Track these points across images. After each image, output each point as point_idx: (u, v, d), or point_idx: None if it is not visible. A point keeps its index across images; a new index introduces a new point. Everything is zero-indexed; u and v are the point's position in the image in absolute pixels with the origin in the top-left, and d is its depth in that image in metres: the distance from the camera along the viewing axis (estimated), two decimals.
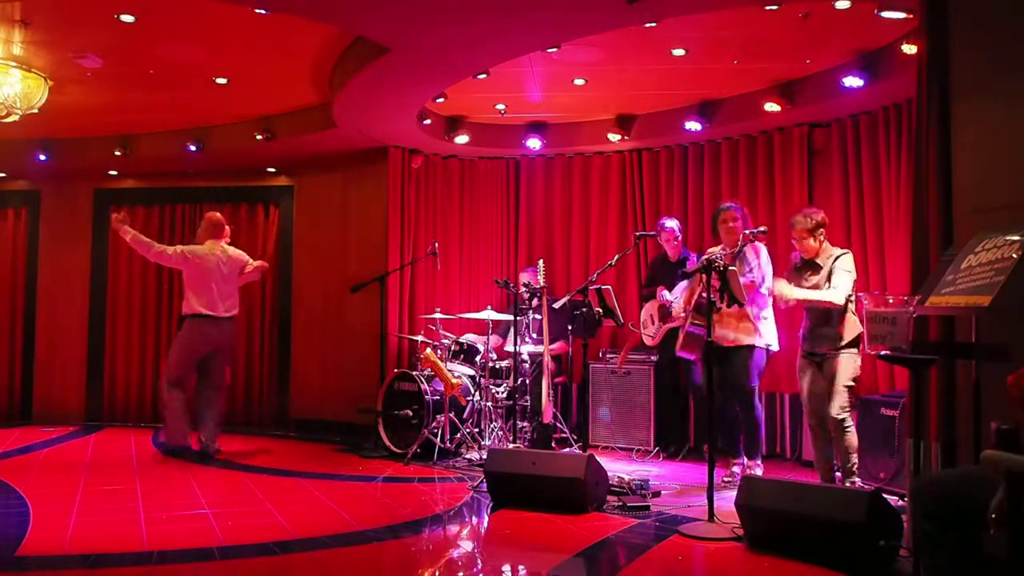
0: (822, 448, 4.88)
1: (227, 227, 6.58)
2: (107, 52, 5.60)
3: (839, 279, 4.70)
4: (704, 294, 5.21)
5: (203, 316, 6.23)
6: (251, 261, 6.59)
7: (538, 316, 6.20)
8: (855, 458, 4.70)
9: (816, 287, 4.78)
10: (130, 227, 6.39)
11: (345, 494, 5.09)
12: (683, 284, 5.73)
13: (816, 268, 4.83)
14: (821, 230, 4.82)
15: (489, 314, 6.25)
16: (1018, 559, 2.26)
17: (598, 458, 4.73)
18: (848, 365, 4.68)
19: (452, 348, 6.56)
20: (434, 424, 6.14)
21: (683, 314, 5.56)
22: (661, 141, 7.10)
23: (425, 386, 6.20)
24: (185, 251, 6.36)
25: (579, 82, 6.12)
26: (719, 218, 5.49)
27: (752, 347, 5.32)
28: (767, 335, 5.37)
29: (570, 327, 5.92)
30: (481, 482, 5.04)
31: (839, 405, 4.66)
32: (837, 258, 4.77)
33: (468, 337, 6.72)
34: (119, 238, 8.36)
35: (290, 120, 7.14)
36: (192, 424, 6.40)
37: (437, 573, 3.75)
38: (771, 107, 6.01)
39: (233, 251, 6.52)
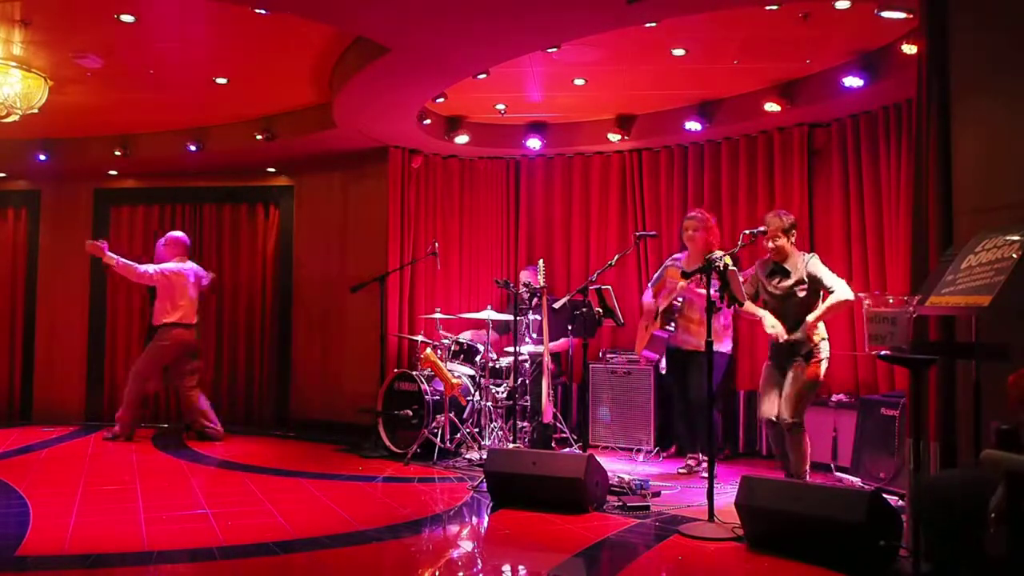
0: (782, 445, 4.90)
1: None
2: (107, 52, 5.59)
3: (832, 279, 4.72)
4: (677, 302, 5.63)
5: (182, 325, 7.06)
6: (204, 274, 7.38)
7: (538, 316, 6.20)
8: (807, 465, 4.72)
9: (790, 290, 4.80)
10: (112, 253, 6.96)
11: (345, 494, 5.09)
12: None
13: (785, 273, 4.85)
14: (794, 231, 4.86)
15: (489, 314, 6.25)
16: (1018, 559, 2.26)
17: (598, 458, 4.73)
18: (813, 370, 4.72)
19: (452, 348, 6.57)
20: (434, 424, 6.14)
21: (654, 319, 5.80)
22: (661, 141, 7.10)
23: (425, 386, 6.20)
24: (165, 270, 7.08)
25: (579, 82, 6.12)
26: (683, 226, 5.80)
27: (716, 353, 5.44)
28: (726, 343, 5.80)
29: (570, 327, 5.93)
30: (481, 482, 5.04)
31: (798, 409, 4.68)
32: (809, 261, 4.79)
33: (465, 335, 6.76)
34: (120, 238, 8.46)
35: (290, 120, 7.14)
36: (191, 417, 7.22)
37: (437, 573, 3.75)
38: (771, 107, 6.01)
39: (195, 265, 7.34)
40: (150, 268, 7.03)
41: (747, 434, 6.60)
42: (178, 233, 7.41)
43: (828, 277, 4.73)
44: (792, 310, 4.80)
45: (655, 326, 5.70)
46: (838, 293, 4.66)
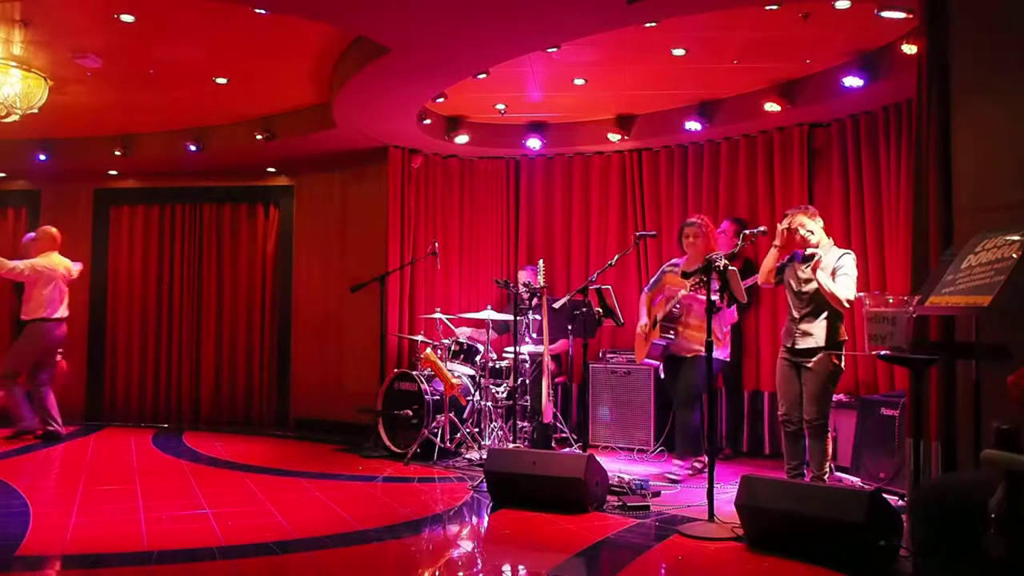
0: (794, 445, 4.86)
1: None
2: (107, 52, 5.59)
3: (850, 281, 4.63)
4: (676, 308, 5.63)
5: (53, 319, 6.98)
6: (73, 267, 7.25)
7: (538, 316, 6.20)
8: (828, 465, 4.69)
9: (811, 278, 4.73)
10: None
11: (345, 494, 5.09)
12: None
13: (811, 258, 4.80)
14: (820, 220, 4.82)
15: (489, 314, 6.25)
16: (1018, 559, 2.25)
17: (598, 458, 4.73)
18: (831, 368, 4.68)
19: (452, 348, 6.57)
20: (434, 424, 6.14)
21: (652, 326, 5.77)
22: (661, 141, 7.10)
23: (425, 386, 6.19)
24: (35, 265, 6.99)
25: (579, 82, 6.12)
26: (682, 232, 5.78)
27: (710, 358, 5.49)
28: (725, 350, 5.72)
29: (570, 327, 5.93)
30: (481, 482, 5.04)
31: (821, 409, 4.66)
32: (842, 256, 4.70)
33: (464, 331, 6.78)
34: (120, 237, 8.47)
35: (290, 120, 7.14)
36: (39, 415, 7.00)
37: (437, 573, 3.75)
38: (771, 107, 6.01)
39: (64, 260, 7.22)
40: (19, 263, 6.93)
41: (751, 434, 6.60)
42: (49, 228, 7.27)
43: (848, 279, 4.61)
44: (807, 300, 4.75)
45: (655, 335, 5.68)
46: (842, 290, 4.60)
